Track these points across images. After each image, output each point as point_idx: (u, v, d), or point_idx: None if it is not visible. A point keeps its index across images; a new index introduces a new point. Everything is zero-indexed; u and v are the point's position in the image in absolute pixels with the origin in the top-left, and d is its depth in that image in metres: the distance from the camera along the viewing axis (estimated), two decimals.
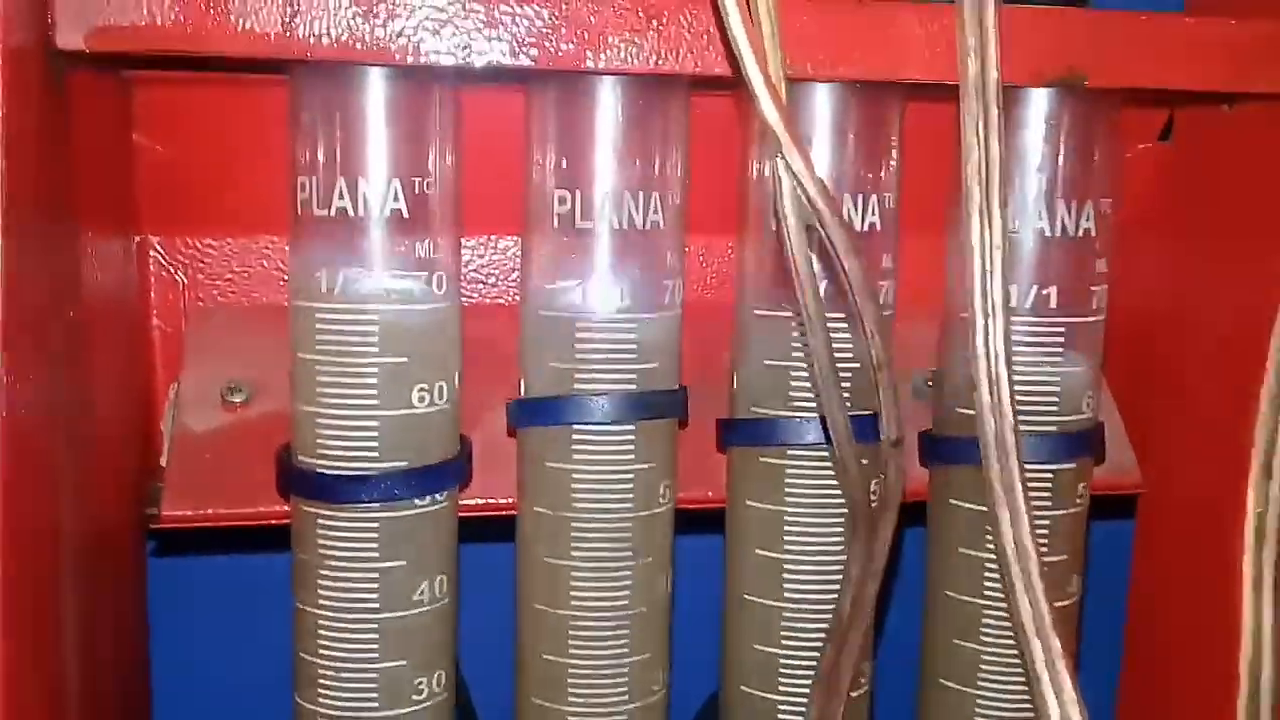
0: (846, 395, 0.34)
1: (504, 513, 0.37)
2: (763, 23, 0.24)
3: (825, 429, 0.30)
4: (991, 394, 0.29)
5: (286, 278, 0.39)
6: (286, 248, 0.38)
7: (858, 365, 0.33)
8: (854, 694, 0.36)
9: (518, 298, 0.35)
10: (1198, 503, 0.40)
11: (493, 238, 0.41)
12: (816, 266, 0.30)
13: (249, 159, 0.37)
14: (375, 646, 0.33)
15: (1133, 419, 0.43)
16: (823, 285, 0.32)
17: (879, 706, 0.39)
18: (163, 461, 0.37)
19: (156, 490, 0.36)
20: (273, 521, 0.36)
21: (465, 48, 0.29)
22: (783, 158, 0.23)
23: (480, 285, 0.41)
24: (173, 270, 0.39)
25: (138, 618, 0.39)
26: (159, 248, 0.39)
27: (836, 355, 0.30)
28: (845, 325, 0.33)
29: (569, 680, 0.35)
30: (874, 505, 0.31)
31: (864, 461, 0.31)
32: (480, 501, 0.37)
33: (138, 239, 0.38)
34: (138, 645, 0.39)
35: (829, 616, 0.33)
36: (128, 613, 0.38)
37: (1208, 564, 0.39)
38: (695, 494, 0.38)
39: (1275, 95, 0.34)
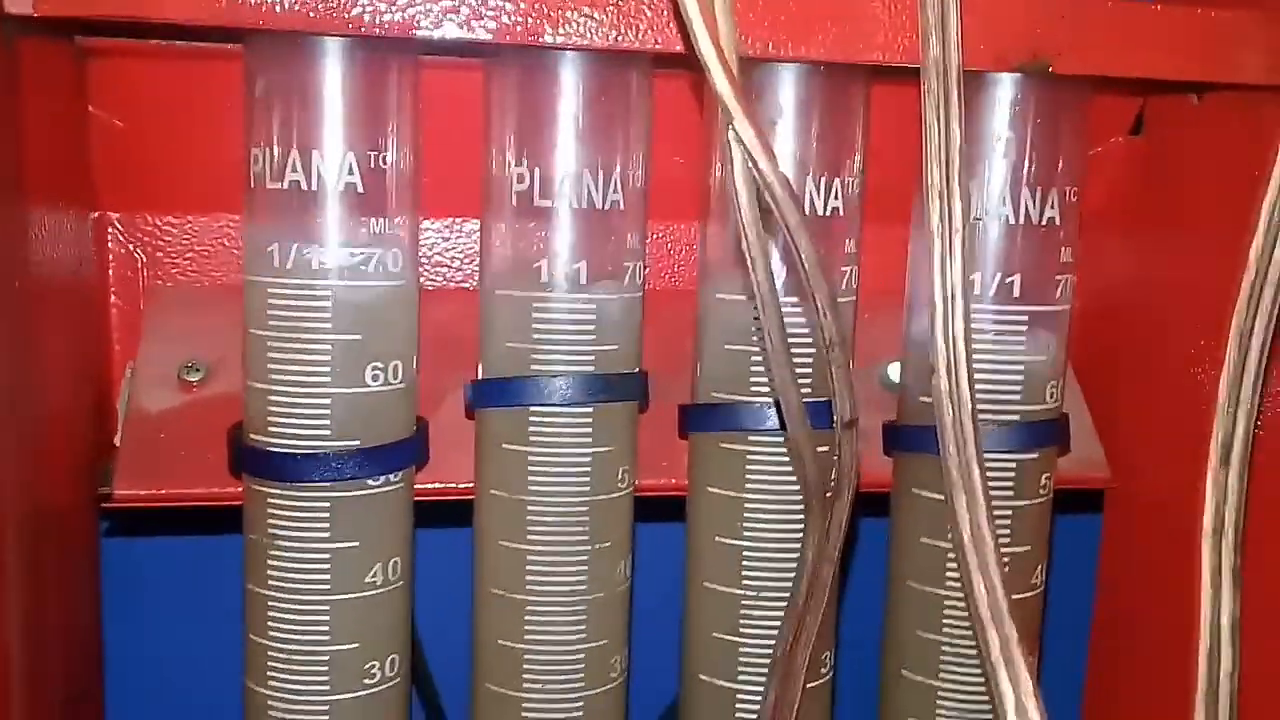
0: (806, 382, 0.33)
1: (462, 496, 0.37)
2: None
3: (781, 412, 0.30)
4: (950, 379, 0.29)
5: None
6: None
7: (816, 351, 0.33)
8: (815, 683, 0.36)
9: None
10: (1165, 496, 0.40)
11: (456, 221, 0.40)
12: (776, 251, 0.30)
13: (209, 135, 0.36)
14: (326, 629, 0.33)
15: (1100, 413, 0.43)
16: (782, 271, 0.32)
17: (841, 698, 0.39)
18: (117, 440, 0.37)
19: (109, 469, 0.36)
20: (226, 502, 0.35)
21: (420, 19, 0.28)
22: (734, 129, 0.23)
23: (444, 269, 0.41)
24: (131, 248, 0.39)
25: (89, 598, 0.39)
26: (118, 224, 0.39)
27: (795, 342, 0.30)
28: (803, 311, 0.33)
29: (525, 666, 0.35)
30: (829, 489, 0.30)
31: (822, 449, 0.31)
32: (438, 485, 0.37)
33: (95, 215, 0.38)
34: (89, 626, 0.39)
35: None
36: (79, 593, 0.37)
37: (1174, 557, 0.38)
38: (658, 481, 0.38)
39: (1243, 85, 0.34)
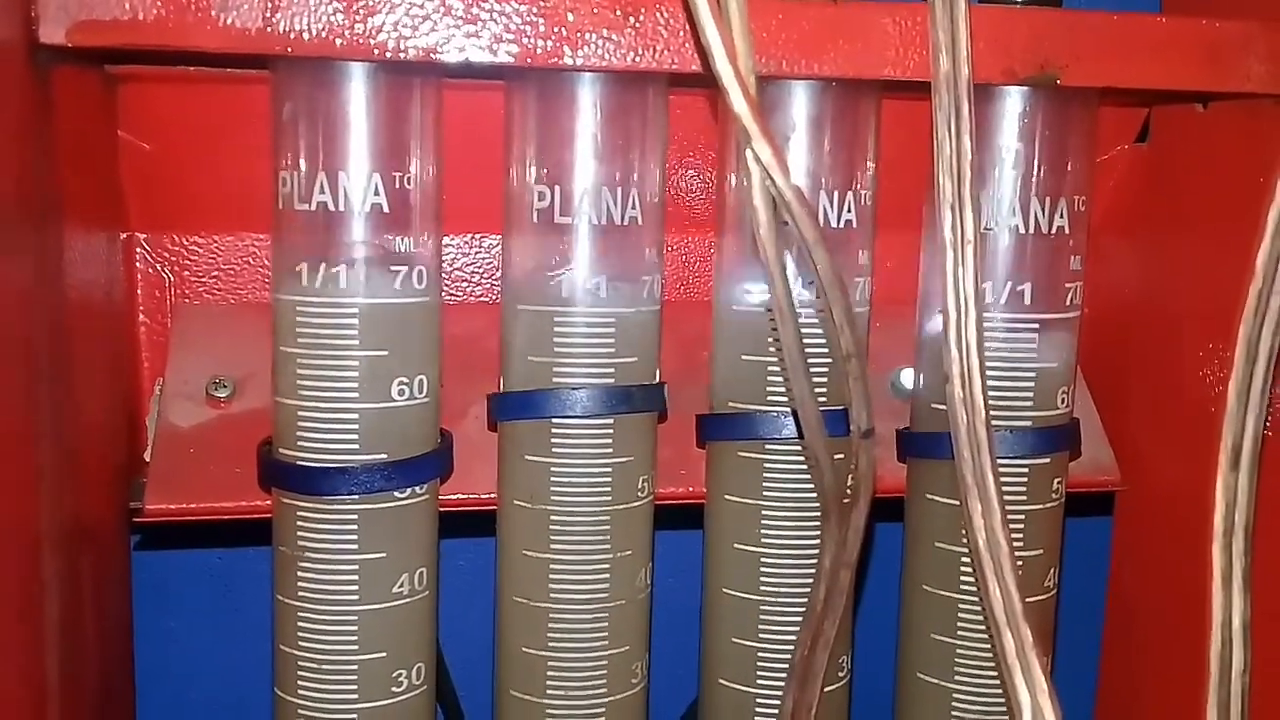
0: (822, 390, 0.34)
1: (485, 507, 0.37)
2: (732, 16, 0.24)
3: (798, 421, 0.30)
4: (964, 387, 0.30)
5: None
6: None
7: (832, 362, 0.34)
8: (832, 686, 0.37)
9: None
10: (1175, 499, 0.41)
11: (477, 236, 0.41)
12: (791, 262, 0.31)
13: (235, 156, 0.37)
14: (354, 638, 0.33)
15: (1111, 417, 0.43)
16: (798, 281, 0.33)
17: (858, 701, 0.39)
18: (147, 456, 0.38)
19: (140, 484, 0.37)
20: (254, 516, 0.36)
21: (444, 44, 0.29)
22: (751, 149, 0.24)
23: (465, 284, 0.41)
24: (159, 267, 0.40)
25: (121, 610, 0.39)
26: (145, 245, 0.39)
27: (812, 352, 0.31)
28: (819, 321, 0.33)
29: (548, 672, 0.35)
30: (846, 496, 0.31)
31: (838, 456, 0.31)
32: (462, 496, 0.38)
33: (124, 236, 0.39)
34: (121, 638, 0.40)
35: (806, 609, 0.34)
36: (111, 605, 0.38)
37: (1185, 559, 0.39)
38: (677, 490, 0.39)
39: (1248, 94, 0.35)
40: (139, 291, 0.39)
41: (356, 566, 0.33)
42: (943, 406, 0.32)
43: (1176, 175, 0.40)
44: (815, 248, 0.24)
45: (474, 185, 0.36)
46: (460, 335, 0.38)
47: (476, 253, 0.41)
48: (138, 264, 0.39)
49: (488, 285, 0.41)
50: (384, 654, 0.34)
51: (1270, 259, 0.29)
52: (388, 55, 0.29)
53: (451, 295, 0.41)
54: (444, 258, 0.40)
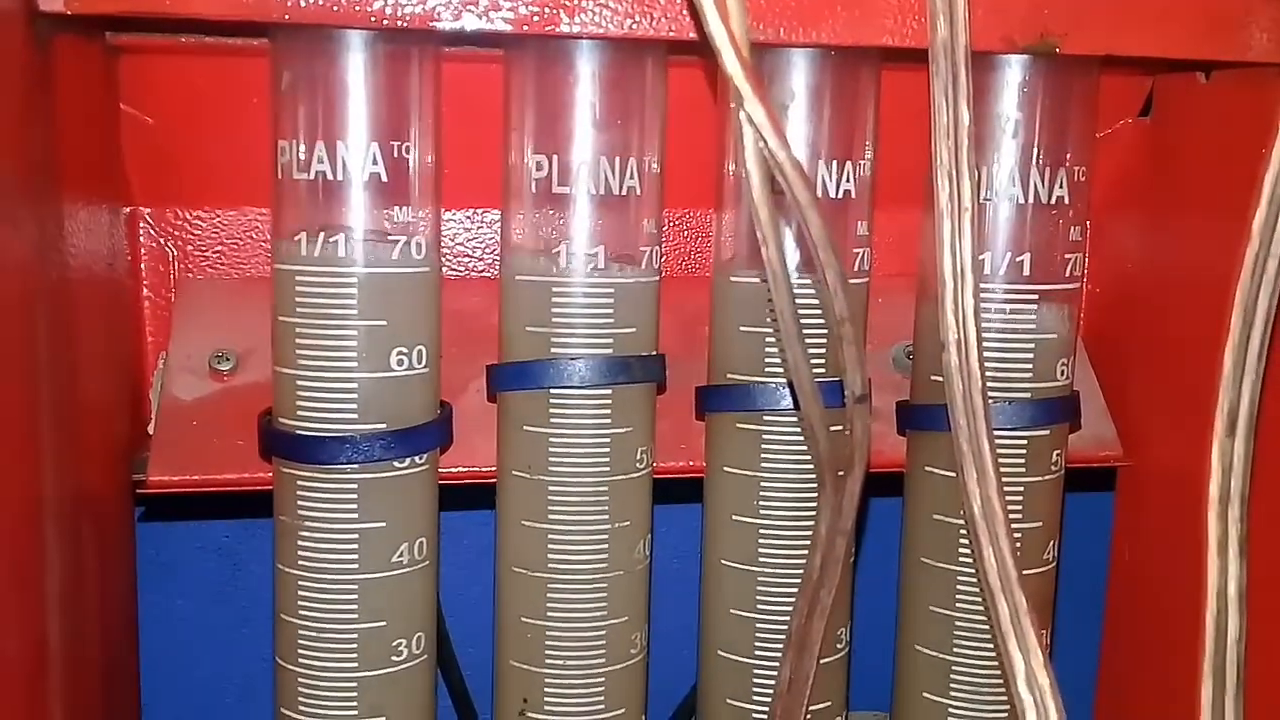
0: (819, 362, 0.34)
1: (484, 479, 0.37)
2: None
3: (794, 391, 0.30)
4: (960, 356, 0.30)
5: None
6: None
7: (828, 331, 0.34)
8: (831, 658, 0.37)
9: None
10: (1178, 474, 0.40)
11: (478, 211, 0.41)
12: (789, 232, 0.31)
13: (237, 130, 0.37)
14: (354, 607, 0.34)
15: (1114, 392, 0.43)
16: (795, 252, 0.33)
17: (856, 673, 0.39)
18: (150, 429, 0.38)
19: (144, 457, 0.37)
20: (256, 488, 0.36)
21: (440, 11, 0.29)
22: (745, 110, 0.24)
23: (466, 258, 0.42)
24: (162, 241, 0.40)
25: (125, 581, 0.40)
26: (149, 219, 0.40)
27: (808, 323, 0.31)
28: (815, 292, 0.33)
29: (546, 642, 0.36)
30: (842, 466, 0.31)
31: (835, 427, 0.31)
32: (462, 469, 0.38)
33: (128, 210, 0.39)
34: (125, 611, 0.40)
35: None
36: (115, 576, 0.38)
37: (1186, 534, 0.39)
38: (676, 463, 0.39)
39: (1250, 63, 0.34)
40: (143, 266, 0.40)
41: (356, 536, 0.33)
42: (940, 378, 0.32)
43: (1180, 147, 0.40)
44: (808, 210, 0.24)
45: (476, 161, 0.36)
46: (461, 310, 0.38)
47: (478, 228, 0.42)
48: (141, 238, 0.40)
49: (489, 260, 0.42)
50: (384, 623, 0.34)
51: (1266, 223, 0.29)
52: (384, 22, 0.29)
53: (453, 270, 0.41)
54: (445, 233, 0.40)
